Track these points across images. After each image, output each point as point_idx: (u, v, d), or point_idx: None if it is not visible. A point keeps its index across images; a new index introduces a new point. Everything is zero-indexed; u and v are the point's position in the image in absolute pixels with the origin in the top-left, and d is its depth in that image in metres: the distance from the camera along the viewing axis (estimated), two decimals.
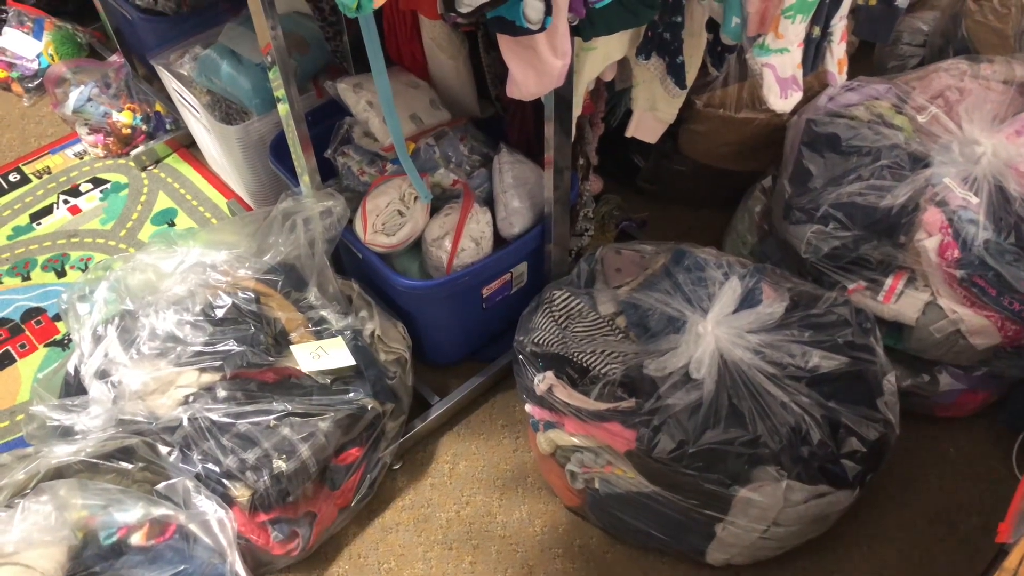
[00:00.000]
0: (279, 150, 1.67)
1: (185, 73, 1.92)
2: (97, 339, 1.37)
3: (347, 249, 1.54)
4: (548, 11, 1.01)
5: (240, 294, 1.39)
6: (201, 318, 1.36)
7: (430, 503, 1.48)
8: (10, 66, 2.37)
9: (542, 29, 1.02)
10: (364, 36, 1.09)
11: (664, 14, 1.23)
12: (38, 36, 2.41)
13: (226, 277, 1.42)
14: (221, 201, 2.04)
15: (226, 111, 1.89)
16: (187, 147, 2.19)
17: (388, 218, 1.48)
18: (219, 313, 1.36)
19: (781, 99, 1.19)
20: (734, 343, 1.16)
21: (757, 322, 1.17)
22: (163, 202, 2.06)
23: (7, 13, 2.45)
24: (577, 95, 1.33)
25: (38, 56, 2.38)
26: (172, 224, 2.00)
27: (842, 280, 1.39)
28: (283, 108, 1.39)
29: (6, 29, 2.42)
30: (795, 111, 1.44)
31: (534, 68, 1.10)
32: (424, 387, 1.55)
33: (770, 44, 1.17)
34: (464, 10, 0.99)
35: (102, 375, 1.33)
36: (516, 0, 0.99)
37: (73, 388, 1.38)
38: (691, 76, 1.37)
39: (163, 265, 1.47)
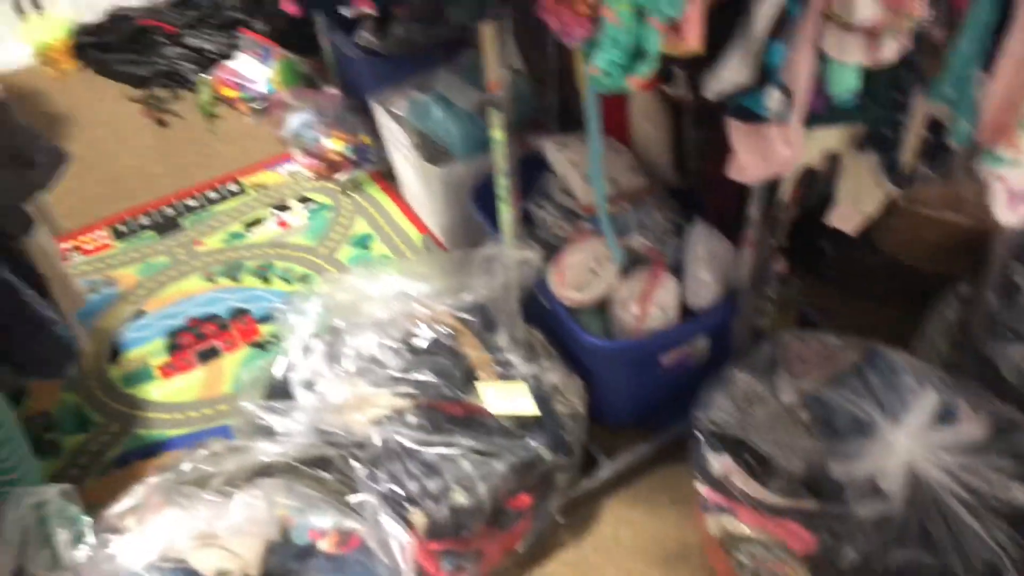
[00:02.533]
0: (480, 196, 1.78)
1: (398, 112, 2.08)
2: (306, 350, 1.50)
3: (535, 299, 1.62)
4: (788, 104, 1.05)
5: (439, 328, 1.49)
6: (401, 346, 1.47)
7: (591, 564, 1.51)
8: (240, 87, 2.63)
9: (779, 119, 1.06)
10: (587, 104, 1.16)
11: (890, 112, 1.25)
12: (266, 63, 2.67)
13: (426, 309, 1.53)
14: (415, 233, 2.18)
15: (431, 152, 2.03)
16: (387, 178, 2.36)
17: (581, 275, 1.55)
18: (418, 343, 1.47)
19: (1009, 211, 1.17)
20: (928, 460, 1.14)
21: (954, 441, 1.15)
22: (361, 226, 2.22)
23: (241, 40, 2.72)
24: (788, 181, 1.36)
25: (265, 81, 2.63)
26: (368, 248, 2.16)
27: None
28: (497, 152, 1.44)
29: (239, 54, 2.70)
30: None
31: (761, 155, 1.14)
32: (593, 445, 1.60)
33: (1004, 155, 1.15)
34: (710, 95, 1.05)
35: (307, 385, 1.46)
36: (760, 90, 1.04)
37: (278, 391, 1.51)
38: (905, 174, 1.36)
39: (368, 289, 1.60)
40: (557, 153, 1.69)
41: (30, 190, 1.23)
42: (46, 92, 2.77)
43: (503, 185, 1.51)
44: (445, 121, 1.96)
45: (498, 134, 1.39)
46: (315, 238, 2.19)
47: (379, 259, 2.06)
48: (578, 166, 1.66)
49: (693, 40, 1.01)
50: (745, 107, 1.07)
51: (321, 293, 1.59)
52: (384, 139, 2.23)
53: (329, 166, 2.38)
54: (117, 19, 2.87)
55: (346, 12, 2.02)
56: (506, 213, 1.57)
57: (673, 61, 1.07)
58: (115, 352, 1.89)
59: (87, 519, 1.24)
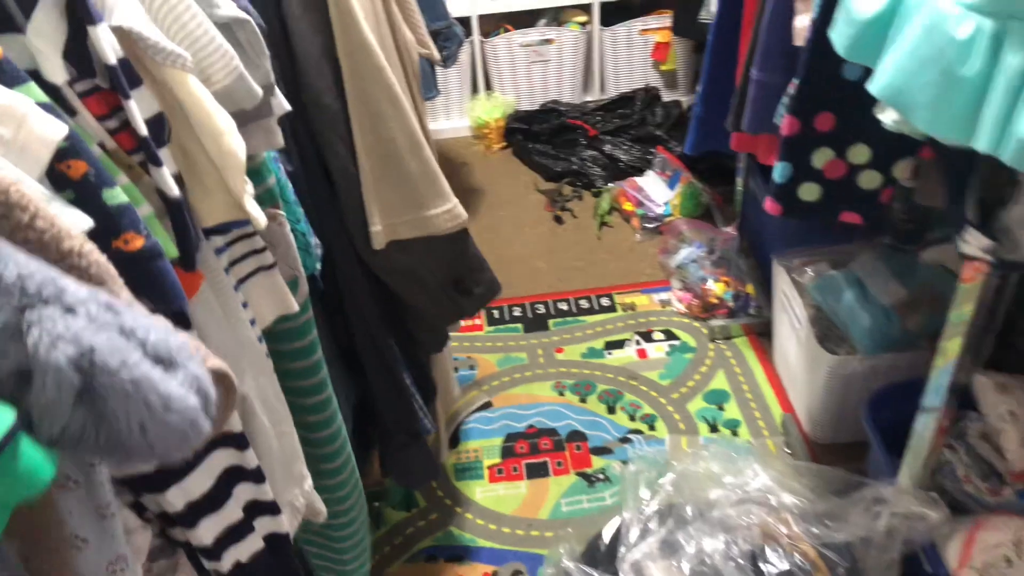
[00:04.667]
0: (879, 406, 1.55)
1: (800, 280, 1.91)
2: (644, 529, 1.38)
3: (918, 563, 1.34)
4: None
5: (797, 559, 1.28)
6: (748, 564, 1.29)
7: None
8: (639, 203, 2.65)
9: None
10: None
11: None
12: (671, 186, 2.66)
13: (786, 528, 1.34)
14: (776, 408, 1.98)
15: (826, 332, 1.83)
16: (760, 335, 2.19)
17: (992, 560, 1.24)
18: (769, 569, 1.28)
19: None
20: None
21: None
22: (719, 381, 2.08)
23: (655, 159, 2.75)
24: None
25: (665, 203, 2.62)
26: (721, 408, 2.00)
27: None
28: (936, 377, 1.20)
29: (649, 172, 2.73)
30: None
31: None
32: None
33: None
34: None
35: (636, 569, 1.34)
36: None
37: (600, 556, 1.41)
38: None
39: (724, 475, 1.45)
40: (993, 395, 1.40)
41: (458, 317, 1.28)
42: (470, 164, 3.04)
43: (928, 419, 1.27)
44: (855, 308, 1.75)
45: (947, 356, 1.16)
46: (670, 378, 2.09)
47: (739, 443, 1.87)
48: (1018, 420, 1.36)
49: None
50: None
51: (674, 469, 1.47)
52: (773, 298, 2.07)
53: (704, 307, 2.27)
54: (548, 111, 3.08)
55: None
56: (917, 453, 1.32)
57: None
58: (455, 437, 1.94)
59: None
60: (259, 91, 0.63)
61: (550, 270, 2.50)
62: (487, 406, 2.04)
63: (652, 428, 1.96)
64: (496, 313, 2.34)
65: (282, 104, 0.75)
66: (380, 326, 1.08)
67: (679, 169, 2.68)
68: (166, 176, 0.56)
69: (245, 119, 0.66)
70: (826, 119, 1.33)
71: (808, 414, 1.88)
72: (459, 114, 3.21)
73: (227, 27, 0.63)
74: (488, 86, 3.18)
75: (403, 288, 1.11)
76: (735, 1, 1.66)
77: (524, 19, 3.13)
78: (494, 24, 3.12)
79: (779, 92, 1.47)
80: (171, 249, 0.57)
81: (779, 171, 1.38)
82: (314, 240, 0.94)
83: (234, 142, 0.59)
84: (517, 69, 3.12)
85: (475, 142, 3.16)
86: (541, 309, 2.35)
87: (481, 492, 1.82)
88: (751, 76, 1.55)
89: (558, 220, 2.70)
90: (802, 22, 1.32)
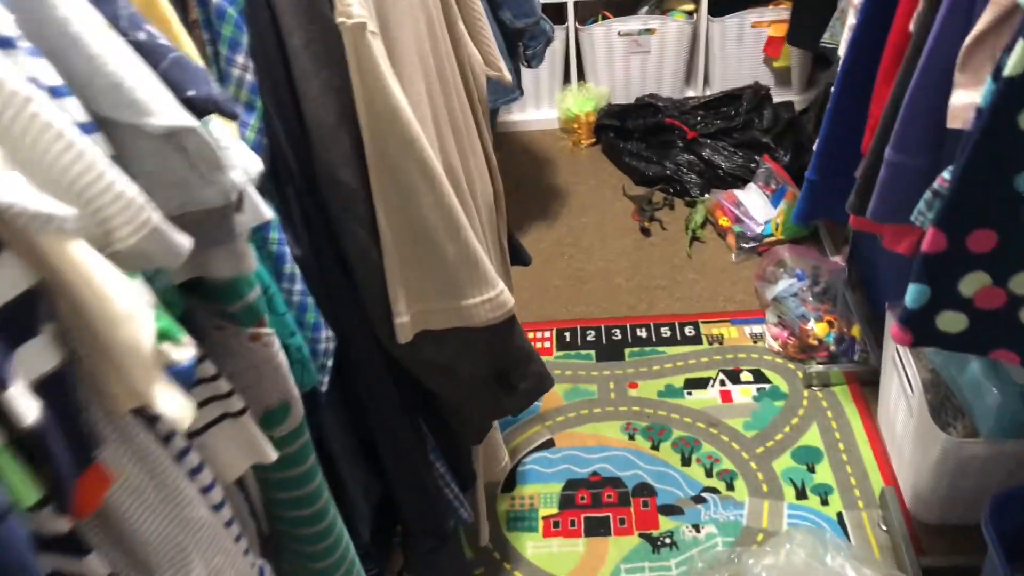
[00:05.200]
0: (1002, 512, 1.30)
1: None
2: None
3: None
4: None
5: None
6: None
7: None
8: (737, 219, 2.40)
9: None
10: None
11: None
12: (775, 203, 2.40)
13: None
14: (876, 476, 1.75)
15: (942, 400, 1.58)
16: (864, 384, 1.95)
17: None
18: None
19: None
20: None
21: None
22: (812, 437, 1.85)
23: (759, 169, 2.49)
24: None
25: (766, 222, 2.37)
26: (812, 470, 1.78)
27: None
28: None
29: (751, 185, 2.47)
30: None
31: None
32: None
33: None
34: None
35: None
36: None
37: None
38: None
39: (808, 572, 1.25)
40: None
41: (499, 415, 1.11)
42: (555, 161, 2.84)
43: None
44: (982, 383, 1.49)
45: None
46: (755, 429, 1.87)
47: (827, 529, 1.63)
48: None
49: None
50: None
51: (748, 562, 1.27)
52: (883, 348, 1.82)
53: (801, 347, 2.03)
54: (643, 107, 2.84)
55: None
56: None
57: None
58: (511, 479, 1.79)
59: None
60: (185, 245, 0.47)
61: (631, 288, 2.30)
62: (549, 444, 1.87)
63: (731, 487, 1.75)
64: (568, 335, 2.16)
65: (260, 212, 0.59)
66: (404, 424, 0.93)
67: (785, 183, 2.42)
68: (16, 401, 0.40)
69: (201, 242, 0.50)
70: (985, 238, 1.00)
71: (913, 491, 1.64)
72: (548, 104, 3.00)
73: (171, 137, 0.48)
74: (581, 76, 2.96)
75: (434, 383, 0.95)
76: (870, 50, 1.31)
77: (625, 6, 2.88)
78: (592, 10, 2.88)
79: (920, 178, 1.14)
80: (26, 494, 0.42)
81: (913, 295, 1.07)
82: (325, 333, 0.78)
83: (137, 331, 0.43)
84: (614, 59, 2.88)
85: (563, 136, 2.95)
86: (617, 335, 2.15)
87: (533, 547, 1.66)
88: (884, 155, 1.21)
89: (645, 232, 2.48)
90: (962, 100, 1.00)
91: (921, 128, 1.13)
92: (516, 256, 1.61)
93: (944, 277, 1.04)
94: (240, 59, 0.69)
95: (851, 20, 1.39)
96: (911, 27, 1.14)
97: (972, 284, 1.04)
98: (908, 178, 1.17)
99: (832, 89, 1.46)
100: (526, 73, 2.53)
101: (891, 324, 1.71)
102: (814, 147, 1.57)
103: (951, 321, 1.08)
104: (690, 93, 2.97)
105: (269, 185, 0.75)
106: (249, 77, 0.70)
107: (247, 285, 0.63)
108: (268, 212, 0.61)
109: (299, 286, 0.78)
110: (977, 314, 1.06)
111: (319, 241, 0.80)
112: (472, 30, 1.18)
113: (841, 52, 1.47)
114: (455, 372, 0.93)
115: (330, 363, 0.82)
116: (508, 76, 1.25)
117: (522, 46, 1.99)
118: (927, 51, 1.08)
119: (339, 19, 0.71)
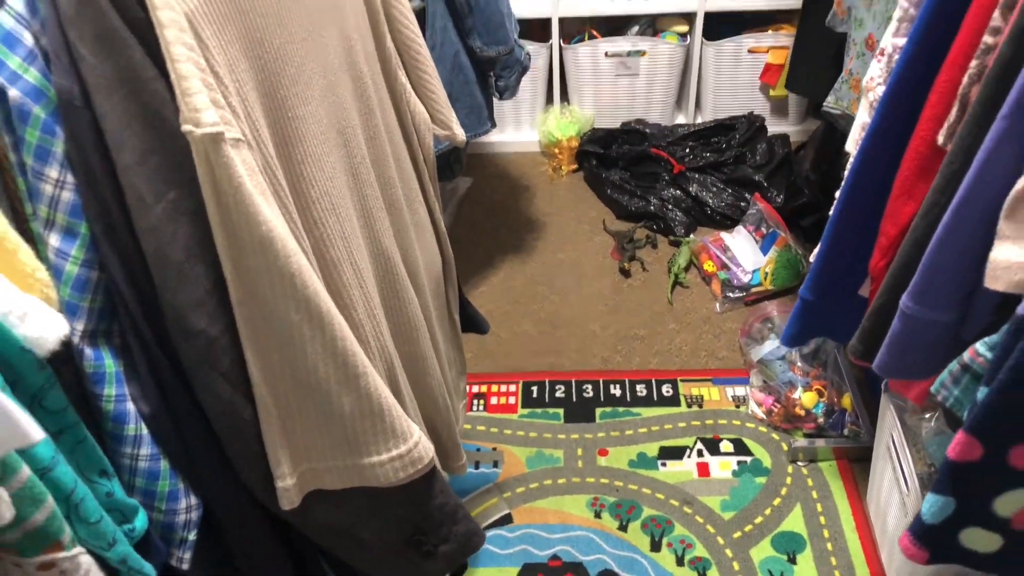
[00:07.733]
0: None
1: (915, 428, 1.49)
2: None
3: None
4: None
5: None
6: None
7: None
8: (723, 266, 2.23)
9: None
10: None
11: None
12: (764, 250, 2.23)
13: None
14: (861, 568, 1.58)
15: None
16: (854, 461, 1.78)
17: None
18: None
19: None
20: None
21: None
22: (794, 522, 1.68)
23: (752, 208, 2.31)
24: None
25: (754, 271, 2.20)
26: (792, 560, 1.61)
27: None
28: None
29: (740, 228, 2.30)
30: None
31: None
32: None
33: None
34: None
35: None
36: None
37: None
38: None
39: None
40: None
41: None
42: (534, 188, 2.66)
43: None
44: None
45: None
46: (733, 510, 1.71)
47: None
48: None
49: None
50: None
51: None
52: (877, 431, 1.65)
53: (787, 416, 1.86)
54: (629, 132, 2.66)
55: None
56: None
57: None
58: (464, 564, 1.61)
59: None
60: None
61: (606, 338, 2.12)
62: (506, 520, 1.70)
63: None
64: (535, 390, 1.99)
65: (20, 433, 0.41)
66: None
67: (777, 228, 2.25)
68: None
69: None
70: None
71: None
72: (529, 126, 2.82)
73: None
74: (564, 97, 2.77)
75: (334, 548, 0.77)
76: (887, 155, 1.06)
77: (614, 25, 2.69)
78: (578, 28, 2.70)
79: (943, 332, 0.93)
80: None
81: (934, 507, 0.88)
82: (184, 503, 0.61)
83: None
84: (600, 81, 2.70)
85: (543, 161, 2.77)
86: (589, 391, 1.98)
87: None
88: (900, 303, 0.97)
89: (624, 272, 2.31)
90: (1007, 257, 0.77)
91: (949, 278, 0.92)
92: (471, 324, 1.44)
93: (976, 492, 0.85)
94: (53, 173, 0.51)
95: (864, 118, 1.16)
96: (940, 139, 0.93)
97: (1012, 504, 0.85)
98: (928, 333, 0.97)
99: (837, 196, 1.24)
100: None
101: (886, 406, 1.55)
102: (811, 259, 1.35)
103: (981, 540, 0.89)
104: (680, 120, 2.80)
105: (106, 326, 0.57)
106: (67, 195, 0.52)
107: (29, 505, 0.45)
108: (37, 434, 0.43)
109: (147, 450, 0.60)
110: (1016, 536, 0.88)
111: (174, 395, 0.62)
112: (416, 84, 1.00)
113: (850, 149, 1.25)
114: (357, 537, 0.75)
115: (192, 536, 0.64)
116: (460, 135, 1.07)
117: (493, 76, 1.80)
118: (967, 184, 0.84)
119: (184, 127, 0.53)
